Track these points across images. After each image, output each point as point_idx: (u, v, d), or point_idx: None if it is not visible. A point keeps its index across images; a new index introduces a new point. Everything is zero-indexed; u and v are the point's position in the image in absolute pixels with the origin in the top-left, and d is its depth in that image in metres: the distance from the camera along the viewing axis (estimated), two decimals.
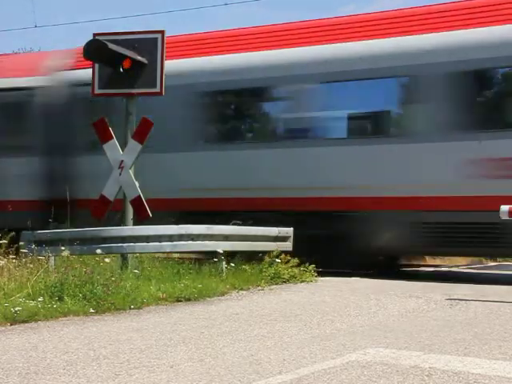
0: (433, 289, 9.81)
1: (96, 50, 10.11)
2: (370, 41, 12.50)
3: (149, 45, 10.34)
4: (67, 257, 8.85)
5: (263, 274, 10.35)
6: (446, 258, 18.16)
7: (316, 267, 11.02)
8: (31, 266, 8.46)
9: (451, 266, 15.49)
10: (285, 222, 11.68)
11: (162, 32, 10.41)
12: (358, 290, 9.72)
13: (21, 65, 15.99)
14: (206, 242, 10.37)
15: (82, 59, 11.15)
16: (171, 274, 9.55)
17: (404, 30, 12.43)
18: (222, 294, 9.00)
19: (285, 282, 10.36)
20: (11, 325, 6.70)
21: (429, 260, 18.39)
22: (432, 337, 5.99)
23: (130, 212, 10.25)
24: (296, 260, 10.86)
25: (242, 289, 9.50)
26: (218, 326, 6.59)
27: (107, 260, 9.08)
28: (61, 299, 7.50)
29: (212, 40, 14.24)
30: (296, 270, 10.72)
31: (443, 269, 14.74)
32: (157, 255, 10.60)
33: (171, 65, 11.93)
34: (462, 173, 11.34)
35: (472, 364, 4.90)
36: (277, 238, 11.37)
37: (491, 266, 15.66)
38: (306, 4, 59.77)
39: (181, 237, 10.16)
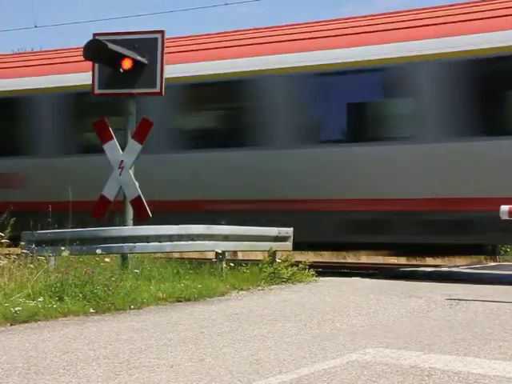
0: (433, 289, 9.81)
1: (96, 50, 10.11)
2: None
3: (149, 45, 10.33)
4: (67, 257, 8.86)
5: (263, 273, 10.35)
6: (445, 257, 18.20)
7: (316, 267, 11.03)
8: (31, 266, 8.46)
9: (451, 266, 15.49)
10: None
11: (162, 32, 10.41)
12: (357, 289, 9.72)
13: None
14: (206, 242, 10.38)
15: None
16: (171, 274, 9.56)
17: None
18: (222, 294, 9.01)
19: (285, 281, 10.36)
20: (11, 325, 6.70)
21: (429, 260, 18.42)
22: (432, 337, 5.99)
23: (130, 212, 10.25)
24: (296, 260, 10.86)
25: (241, 289, 9.51)
26: (218, 326, 6.59)
27: (107, 260, 9.08)
28: (61, 299, 7.51)
29: None
30: (296, 270, 10.72)
31: (443, 269, 14.74)
32: (157, 255, 10.60)
33: None
34: None
35: (472, 364, 4.90)
36: (277, 238, 11.37)
37: (491, 266, 15.66)
38: (306, 4, 59.82)
39: (181, 237, 10.17)
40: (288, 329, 6.43)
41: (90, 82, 10.77)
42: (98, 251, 9.30)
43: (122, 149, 10.34)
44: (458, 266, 15.46)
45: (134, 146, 10.29)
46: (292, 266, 10.77)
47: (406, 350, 5.41)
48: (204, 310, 7.77)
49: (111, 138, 10.43)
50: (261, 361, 5.05)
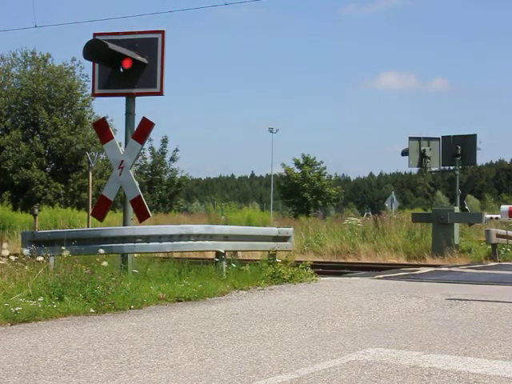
0: (433, 289, 9.81)
1: (96, 50, 10.11)
2: None
3: (149, 45, 10.34)
4: (67, 257, 8.85)
5: (263, 273, 10.35)
6: (445, 257, 18.22)
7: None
8: (31, 266, 8.45)
9: (451, 266, 15.49)
10: None
11: (162, 32, 10.42)
12: (358, 289, 9.72)
13: None
14: (206, 242, 10.37)
15: None
16: (171, 274, 9.56)
17: None
18: (222, 294, 9.01)
19: (285, 281, 10.36)
20: (11, 325, 6.70)
21: (429, 260, 18.43)
22: (432, 337, 5.99)
23: (129, 212, 10.25)
24: (296, 260, 10.86)
25: (242, 289, 9.51)
26: (218, 326, 6.59)
27: (105, 263, 9.06)
28: (61, 299, 7.51)
29: None
30: (296, 270, 10.72)
31: (443, 269, 14.73)
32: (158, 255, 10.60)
33: None
34: None
35: (472, 364, 4.91)
36: (277, 237, 11.37)
37: (491, 266, 15.66)
38: (307, 4, 59.85)
39: (181, 237, 10.16)
40: (288, 329, 6.44)
41: None
42: (99, 251, 9.30)
43: None
44: (458, 266, 15.46)
45: (134, 145, 10.29)
46: (292, 265, 10.77)
47: (406, 350, 5.41)
48: (204, 309, 7.77)
49: (111, 137, 10.43)
50: (261, 361, 5.05)
